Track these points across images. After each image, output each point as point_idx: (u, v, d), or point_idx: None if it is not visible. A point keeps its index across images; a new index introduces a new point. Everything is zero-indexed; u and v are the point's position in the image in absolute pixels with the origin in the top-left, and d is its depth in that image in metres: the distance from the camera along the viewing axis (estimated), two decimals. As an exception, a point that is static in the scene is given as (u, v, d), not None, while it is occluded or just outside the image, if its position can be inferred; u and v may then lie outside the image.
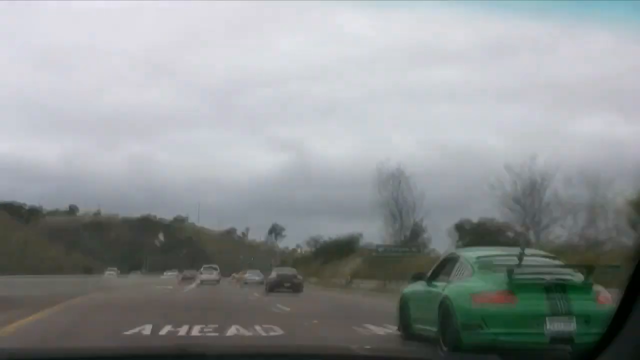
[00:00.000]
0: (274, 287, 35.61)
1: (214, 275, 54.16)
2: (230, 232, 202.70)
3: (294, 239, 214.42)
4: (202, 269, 57.11)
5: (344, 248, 59.05)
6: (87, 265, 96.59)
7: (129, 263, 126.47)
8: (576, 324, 8.19)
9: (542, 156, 37.65)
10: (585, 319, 8.19)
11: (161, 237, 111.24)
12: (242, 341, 9.59)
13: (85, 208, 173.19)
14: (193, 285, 44.72)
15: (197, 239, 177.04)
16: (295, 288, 35.72)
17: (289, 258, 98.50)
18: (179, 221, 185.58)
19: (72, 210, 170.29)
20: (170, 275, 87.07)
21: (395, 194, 49.54)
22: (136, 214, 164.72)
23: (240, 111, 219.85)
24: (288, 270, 41.08)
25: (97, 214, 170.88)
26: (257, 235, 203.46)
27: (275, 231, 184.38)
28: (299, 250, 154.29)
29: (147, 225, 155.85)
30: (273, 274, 38.53)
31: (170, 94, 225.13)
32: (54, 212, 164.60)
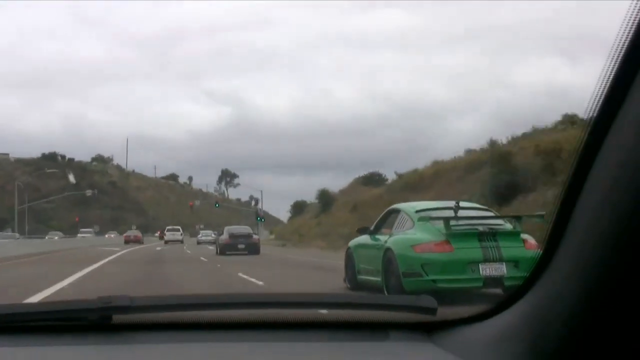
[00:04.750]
0: (226, 249, 34.03)
1: (177, 236, 68.21)
2: (170, 179, 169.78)
3: (247, 192, 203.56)
4: (166, 230, 73.04)
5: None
6: None
7: (9, 219, 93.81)
8: (506, 268, 9.48)
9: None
10: (515, 263, 9.59)
11: (71, 178, 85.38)
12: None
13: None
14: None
15: (125, 185, 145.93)
16: (251, 249, 34.22)
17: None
18: (100, 162, 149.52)
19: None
20: (87, 234, 73.22)
21: None
22: (37, 153, 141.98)
23: (174, 63, 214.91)
24: (242, 229, 38.06)
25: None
26: (203, 184, 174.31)
27: (227, 178, 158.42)
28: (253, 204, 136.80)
29: (51, 166, 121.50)
30: (225, 234, 35.63)
31: (99, 45, 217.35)
32: None
